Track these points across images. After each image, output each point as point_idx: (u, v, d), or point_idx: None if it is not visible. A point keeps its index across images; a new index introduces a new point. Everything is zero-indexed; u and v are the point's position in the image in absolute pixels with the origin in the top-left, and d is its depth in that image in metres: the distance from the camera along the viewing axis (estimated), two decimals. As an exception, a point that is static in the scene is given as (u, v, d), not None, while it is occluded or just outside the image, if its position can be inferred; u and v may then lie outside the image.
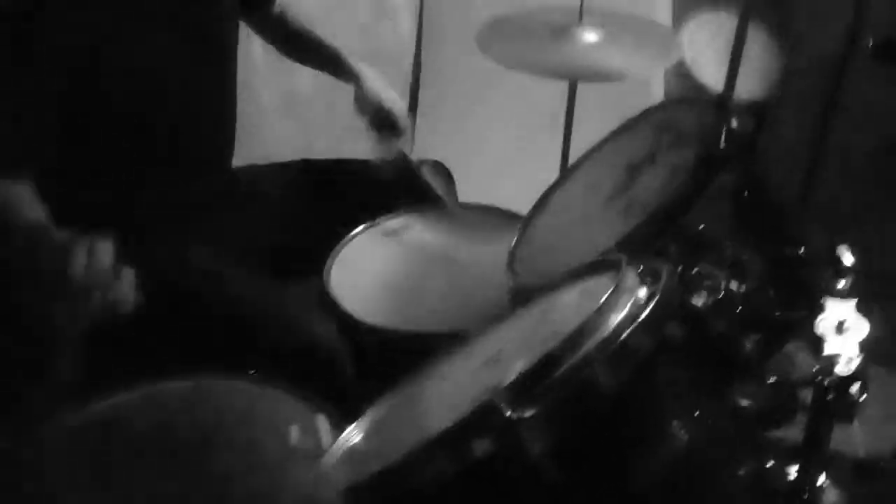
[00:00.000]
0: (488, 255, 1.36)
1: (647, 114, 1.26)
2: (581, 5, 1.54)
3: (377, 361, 1.27)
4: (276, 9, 1.55)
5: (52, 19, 1.10)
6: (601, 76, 1.47)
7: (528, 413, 0.71)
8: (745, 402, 1.16)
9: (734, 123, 1.11)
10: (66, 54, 1.11)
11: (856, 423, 1.65)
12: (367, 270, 1.39)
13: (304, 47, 1.59)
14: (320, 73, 2.19)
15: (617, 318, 0.77)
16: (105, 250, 0.94)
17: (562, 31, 1.54)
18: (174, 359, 1.12)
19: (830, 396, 0.92)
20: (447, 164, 2.30)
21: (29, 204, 1.09)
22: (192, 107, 1.28)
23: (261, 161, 1.66)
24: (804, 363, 1.05)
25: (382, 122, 1.50)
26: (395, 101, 1.52)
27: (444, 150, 2.38)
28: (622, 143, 1.26)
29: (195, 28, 1.26)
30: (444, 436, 0.72)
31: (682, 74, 2.26)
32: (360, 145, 2.37)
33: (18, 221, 1.07)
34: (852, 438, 1.57)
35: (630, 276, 0.83)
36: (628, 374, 0.76)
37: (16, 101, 1.10)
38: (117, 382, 1.08)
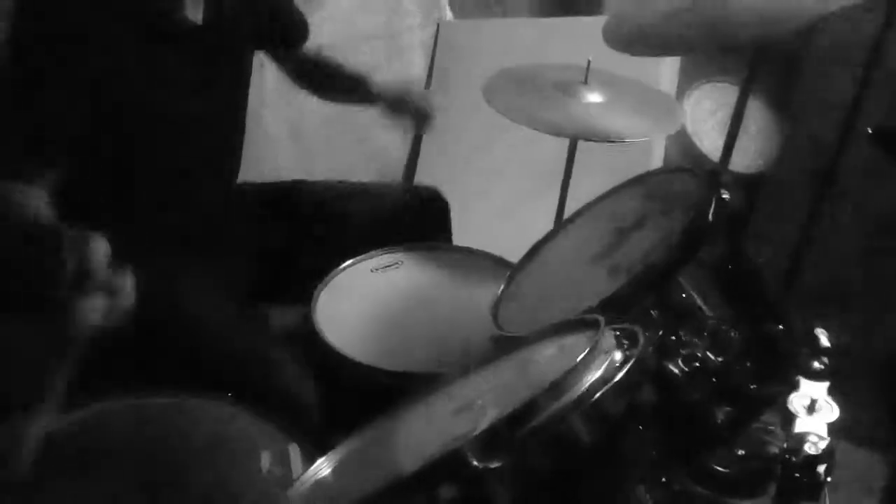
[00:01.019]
0: (474, 300, 1.38)
1: (641, 178, 1.29)
2: (588, 67, 1.59)
3: (354, 395, 1.27)
4: (309, 51, 1.58)
5: (69, 42, 1.13)
6: (601, 137, 1.50)
7: (496, 464, 0.72)
8: (720, 468, 1.17)
9: (725, 195, 1.13)
10: (82, 75, 1.14)
11: (827, 499, 1.65)
12: (353, 304, 1.40)
13: (330, 84, 1.61)
14: (326, 104, 2.25)
15: (591, 378, 0.78)
16: (100, 246, 0.93)
17: (566, 89, 1.57)
18: (143, 382, 1.12)
19: (797, 475, 0.93)
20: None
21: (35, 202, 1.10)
22: (202, 133, 1.31)
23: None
24: (775, 438, 1.06)
25: (407, 108, 1.54)
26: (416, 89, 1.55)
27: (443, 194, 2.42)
28: (614, 204, 1.29)
29: (212, 57, 1.29)
30: (410, 480, 0.73)
31: (682, 142, 2.31)
32: (358, 174, 2.41)
33: (21, 216, 1.07)
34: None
35: (607, 338, 0.84)
36: (598, 435, 0.77)
37: (33, 113, 1.13)
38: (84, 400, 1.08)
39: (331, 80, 1.61)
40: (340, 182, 1.62)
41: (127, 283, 0.94)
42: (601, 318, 0.88)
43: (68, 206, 1.14)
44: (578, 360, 0.78)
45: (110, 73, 1.16)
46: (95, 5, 1.14)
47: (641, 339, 0.84)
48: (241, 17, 1.35)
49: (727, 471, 1.13)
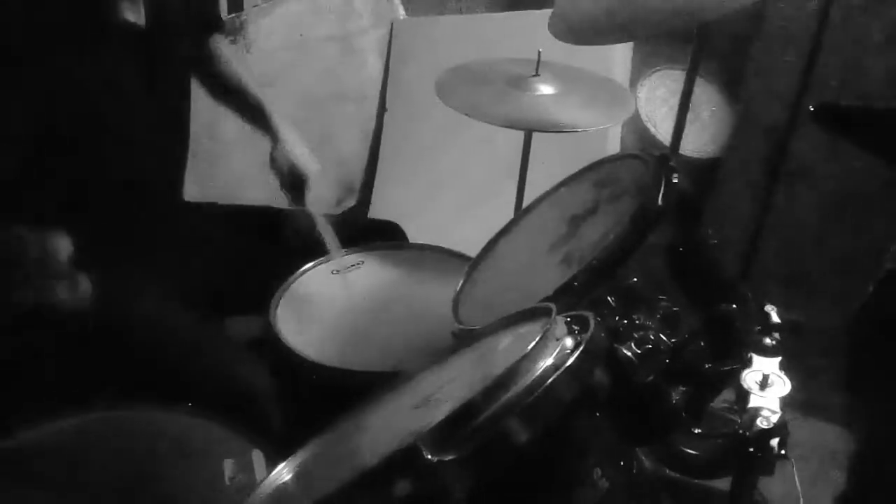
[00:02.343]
0: (435, 296, 1.38)
1: (592, 167, 1.30)
2: (538, 59, 1.60)
3: (318, 398, 1.27)
4: (218, 49, 1.53)
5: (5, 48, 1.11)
6: (555, 128, 1.51)
7: (450, 457, 0.72)
8: (688, 451, 1.19)
9: (674, 179, 1.15)
10: (21, 81, 1.12)
11: (795, 474, 1.69)
12: (315, 306, 1.40)
13: (231, 91, 1.56)
14: (284, 107, 2.21)
15: (542, 365, 0.79)
16: (61, 243, 0.98)
17: (518, 83, 1.59)
18: (104, 392, 1.12)
19: (752, 449, 0.95)
20: (404, 206, 2.33)
21: None
22: (147, 137, 1.29)
23: (219, 193, 1.67)
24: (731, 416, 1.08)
25: (292, 182, 1.49)
26: (307, 160, 1.50)
27: (402, 192, 2.43)
28: (567, 194, 1.30)
29: (155, 59, 1.27)
30: (365, 477, 0.73)
31: (638, 129, 2.34)
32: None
33: None
34: (791, 489, 1.60)
35: (559, 325, 0.85)
36: (551, 421, 0.77)
37: None
38: (46, 413, 1.08)
39: (232, 87, 1.56)
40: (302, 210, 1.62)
41: (84, 278, 1.00)
42: (552, 307, 0.89)
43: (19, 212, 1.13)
44: (529, 349, 0.79)
45: (51, 78, 1.14)
46: (31, 7, 1.12)
47: (592, 325, 0.85)
48: (182, 17, 1.34)
49: (695, 453, 1.15)
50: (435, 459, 0.71)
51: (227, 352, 1.28)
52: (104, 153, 1.22)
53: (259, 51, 2.11)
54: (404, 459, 0.72)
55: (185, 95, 1.42)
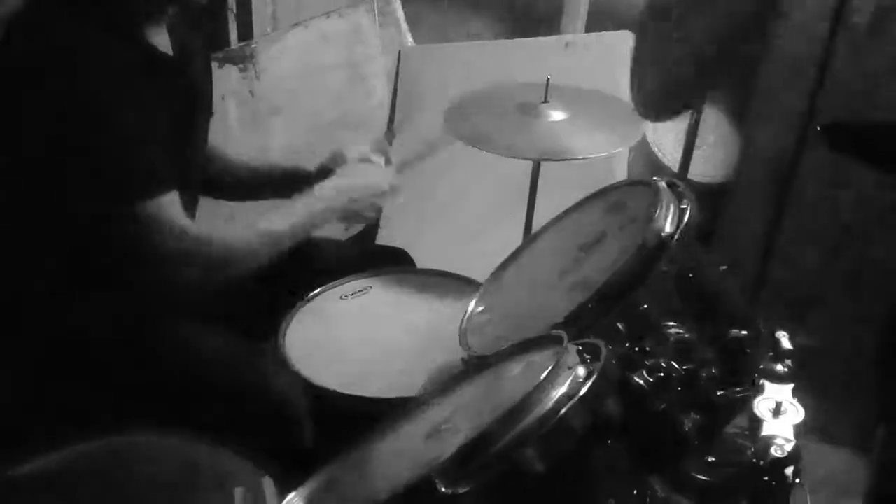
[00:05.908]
0: (444, 322, 1.38)
1: (600, 193, 1.30)
2: (547, 85, 1.61)
3: (329, 424, 1.27)
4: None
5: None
6: (565, 156, 1.52)
7: (464, 489, 0.72)
8: (700, 476, 1.18)
9: (683, 205, 1.15)
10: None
11: (809, 501, 1.66)
12: (324, 332, 1.40)
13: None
14: (292, 134, 2.24)
15: (555, 395, 0.79)
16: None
17: (528, 110, 1.59)
18: (134, 413, 1.12)
19: (766, 478, 0.94)
20: (412, 231, 2.33)
21: None
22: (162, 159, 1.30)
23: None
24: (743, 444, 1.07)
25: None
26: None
27: (410, 218, 2.43)
28: (575, 220, 1.30)
29: (184, 89, 1.30)
30: (378, 509, 0.73)
31: (645, 153, 2.34)
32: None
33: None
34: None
35: (570, 354, 0.85)
36: (565, 451, 0.77)
37: None
38: (71, 436, 1.08)
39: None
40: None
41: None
42: (564, 335, 0.89)
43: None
44: (541, 378, 0.79)
45: (85, 106, 1.14)
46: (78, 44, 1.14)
47: (604, 353, 0.85)
48: (200, 46, 1.36)
49: (707, 478, 1.14)
50: (450, 492, 0.71)
51: (257, 370, 1.29)
52: (133, 178, 1.22)
53: (268, 78, 2.13)
54: (419, 491, 0.72)
55: (204, 123, 1.44)
